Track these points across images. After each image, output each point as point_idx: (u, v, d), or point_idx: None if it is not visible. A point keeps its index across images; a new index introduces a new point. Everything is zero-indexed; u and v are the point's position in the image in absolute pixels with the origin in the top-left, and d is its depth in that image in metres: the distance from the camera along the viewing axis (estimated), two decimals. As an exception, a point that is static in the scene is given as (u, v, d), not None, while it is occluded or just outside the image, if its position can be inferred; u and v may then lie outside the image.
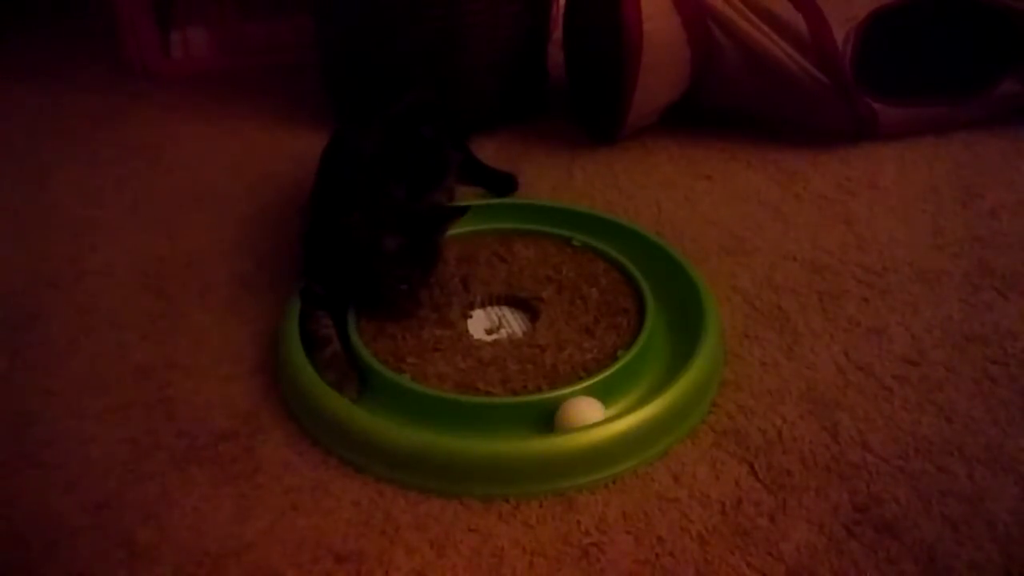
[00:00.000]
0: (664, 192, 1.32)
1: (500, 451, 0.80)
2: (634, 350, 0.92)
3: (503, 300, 1.05)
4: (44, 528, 0.77)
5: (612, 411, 0.85)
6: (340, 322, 0.97)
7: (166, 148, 1.49)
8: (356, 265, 0.97)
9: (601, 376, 0.88)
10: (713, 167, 1.40)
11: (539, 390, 0.88)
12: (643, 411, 0.82)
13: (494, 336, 0.99)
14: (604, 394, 0.86)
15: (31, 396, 0.93)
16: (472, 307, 1.04)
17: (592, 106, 1.52)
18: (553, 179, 1.37)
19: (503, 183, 1.32)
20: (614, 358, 0.92)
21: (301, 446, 0.86)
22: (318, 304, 0.98)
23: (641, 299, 1.01)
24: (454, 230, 1.15)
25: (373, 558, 0.74)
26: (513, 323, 1.02)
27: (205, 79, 1.76)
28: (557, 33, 1.65)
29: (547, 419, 0.85)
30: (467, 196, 1.27)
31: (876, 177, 1.36)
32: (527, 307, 1.04)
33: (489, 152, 1.45)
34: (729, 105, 1.49)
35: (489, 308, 1.04)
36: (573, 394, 0.86)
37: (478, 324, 1.01)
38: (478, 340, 0.98)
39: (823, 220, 1.24)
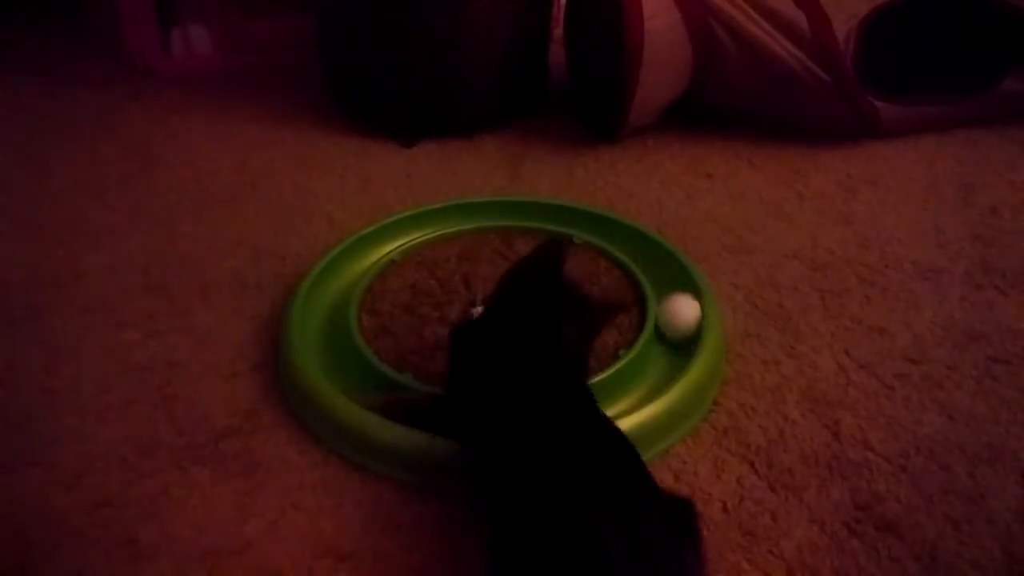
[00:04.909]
0: (665, 190, 1.32)
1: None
2: (636, 349, 0.91)
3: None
4: (45, 527, 0.77)
5: (613, 410, 0.85)
6: None
7: (167, 146, 1.49)
8: None
9: (603, 375, 0.88)
10: (714, 165, 1.39)
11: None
12: (645, 410, 0.82)
13: (495, 334, 0.99)
14: (606, 393, 0.86)
15: (31, 394, 0.93)
16: (473, 305, 1.03)
17: (593, 104, 1.52)
18: (554, 177, 1.37)
19: None
20: (616, 357, 0.91)
21: (302, 444, 0.86)
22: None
23: (643, 297, 1.01)
24: (456, 228, 1.16)
25: (373, 556, 0.74)
26: (514, 321, 1.01)
27: (206, 77, 1.75)
28: (558, 31, 1.65)
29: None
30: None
31: (877, 175, 1.35)
32: (528, 305, 1.03)
33: (490, 150, 1.45)
34: (730, 103, 1.49)
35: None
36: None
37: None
38: (479, 338, 0.98)
39: (824, 218, 1.24)
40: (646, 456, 0.82)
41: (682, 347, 0.94)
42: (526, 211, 1.19)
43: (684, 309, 0.96)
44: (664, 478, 0.81)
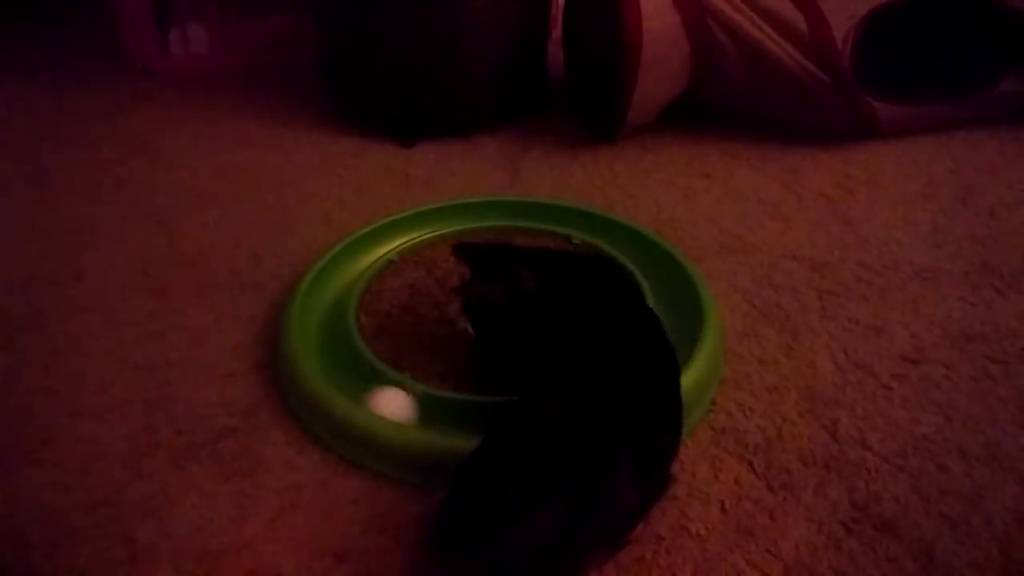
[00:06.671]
0: (664, 190, 1.32)
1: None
2: (634, 348, 0.91)
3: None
4: (43, 526, 0.78)
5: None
6: None
7: (165, 146, 1.49)
8: None
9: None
10: (713, 165, 1.40)
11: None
12: (642, 409, 0.82)
13: (494, 334, 0.99)
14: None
15: (30, 394, 0.93)
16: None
17: (592, 104, 1.52)
18: (553, 177, 1.37)
19: None
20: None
21: (301, 444, 0.86)
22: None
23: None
24: (454, 228, 1.16)
25: (373, 556, 0.74)
26: (513, 321, 1.01)
27: (205, 77, 1.76)
28: (557, 31, 1.65)
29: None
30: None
31: (876, 176, 1.36)
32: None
33: (490, 150, 1.46)
34: (729, 103, 1.49)
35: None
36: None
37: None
38: (478, 338, 0.98)
39: (823, 218, 1.24)
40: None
41: (680, 346, 0.94)
42: (525, 211, 1.19)
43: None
44: (662, 478, 0.81)
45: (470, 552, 0.64)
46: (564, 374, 0.72)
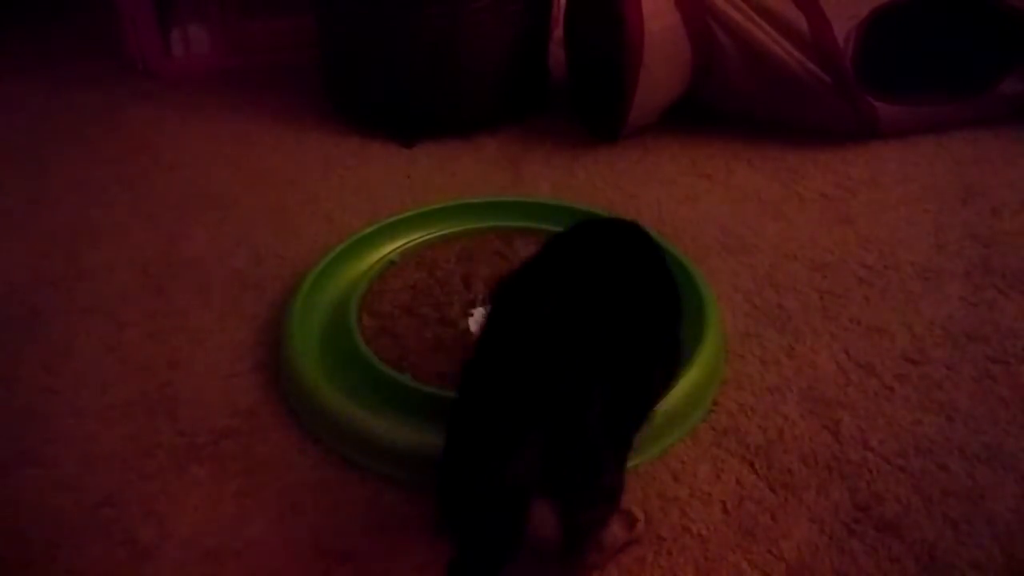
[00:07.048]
0: (665, 191, 1.32)
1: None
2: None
3: (504, 298, 1.05)
4: (45, 527, 0.78)
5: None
6: None
7: (167, 146, 1.49)
8: None
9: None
10: (714, 166, 1.39)
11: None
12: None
13: (495, 334, 0.99)
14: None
15: (32, 394, 0.93)
16: (473, 305, 1.04)
17: (593, 105, 1.52)
18: (554, 177, 1.37)
19: None
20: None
21: (302, 444, 0.86)
22: None
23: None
24: (455, 228, 1.16)
25: (373, 556, 0.74)
26: (514, 321, 1.01)
27: (206, 78, 1.75)
28: (558, 31, 1.65)
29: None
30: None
31: (877, 176, 1.35)
32: (528, 305, 1.03)
33: (491, 151, 1.46)
34: (730, 104, 1.49)
35: (490, 306, 1.04)
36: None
37: (479, 322, 1.01)
38: (479, 338, 0.98)
39: (824, 219, 1.24)
40: (646, 455, 0.83)
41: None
42: (526, 212, 1.19)
43: None
44: (663, 478, 0.81)
45: (461, 492, 0.65)
46: (548, 307, 0.72)
